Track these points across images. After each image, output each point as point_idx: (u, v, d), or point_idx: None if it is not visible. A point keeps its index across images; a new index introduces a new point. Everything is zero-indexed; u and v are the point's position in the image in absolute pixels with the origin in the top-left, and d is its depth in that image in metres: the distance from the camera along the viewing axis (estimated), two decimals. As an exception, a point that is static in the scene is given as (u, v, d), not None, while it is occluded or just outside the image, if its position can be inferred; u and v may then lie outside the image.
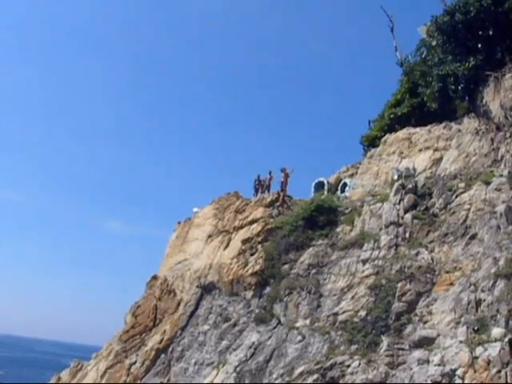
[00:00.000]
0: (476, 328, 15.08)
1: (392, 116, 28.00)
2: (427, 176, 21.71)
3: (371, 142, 29.14)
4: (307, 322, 19.29)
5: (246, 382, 19.14)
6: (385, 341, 16.60)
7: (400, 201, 20.32)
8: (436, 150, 22.90)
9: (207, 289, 24.81)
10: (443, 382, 14.52)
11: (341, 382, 16.31)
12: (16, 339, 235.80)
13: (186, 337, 23.86)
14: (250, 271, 23.00)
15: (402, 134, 25.23)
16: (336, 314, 18.61)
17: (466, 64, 23.00)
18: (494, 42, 23.41)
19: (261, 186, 28.67)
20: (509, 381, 13.52)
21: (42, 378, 44.10)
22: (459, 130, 22.73)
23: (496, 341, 14.32)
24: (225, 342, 21.65)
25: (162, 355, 24.05)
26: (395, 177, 22.00)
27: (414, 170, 22.35)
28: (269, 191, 28.10)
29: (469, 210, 18.56)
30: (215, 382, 20.20)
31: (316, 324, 18.93)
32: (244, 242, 24.50)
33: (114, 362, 25.74)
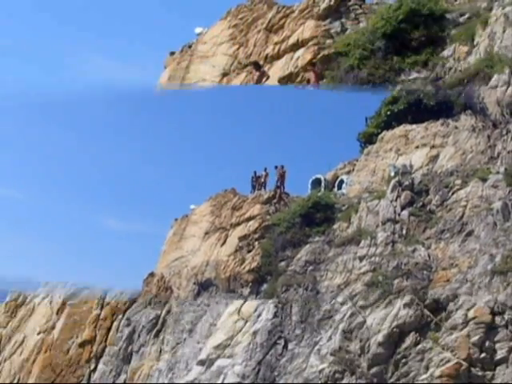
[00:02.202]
0: (473, 325, 15.11)
1: (389, 113, 27.84)
2: (424, 173, 21.68)
3: (368, 139, 29.00)
4: (304, 318, 19.29)
5: (243, 378, 19.13)
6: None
7: (397, 198, 20.31)
8: (433, 147, 22.86)
9: (204, 286, 24.79)
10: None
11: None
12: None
13: (183, 334, 23.84)
14: (246, 268, 22.99)
15: (398, 131, 25.17)
16: (333, 311, 18.60)
17: (463, 61, 23.00)
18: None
19: (258, 183, 28.63)
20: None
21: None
22: (456, 127, 22.71)
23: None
24: (222, 339, 21.60)
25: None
26: (392, 174, 21.96)
27: (411, 166, 22.31)
28: (265, 188, 28.05)
29: (465, 206, 18.57)
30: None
31: (313, 321, 18.92)
32: (241, 238, 24.47)
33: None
